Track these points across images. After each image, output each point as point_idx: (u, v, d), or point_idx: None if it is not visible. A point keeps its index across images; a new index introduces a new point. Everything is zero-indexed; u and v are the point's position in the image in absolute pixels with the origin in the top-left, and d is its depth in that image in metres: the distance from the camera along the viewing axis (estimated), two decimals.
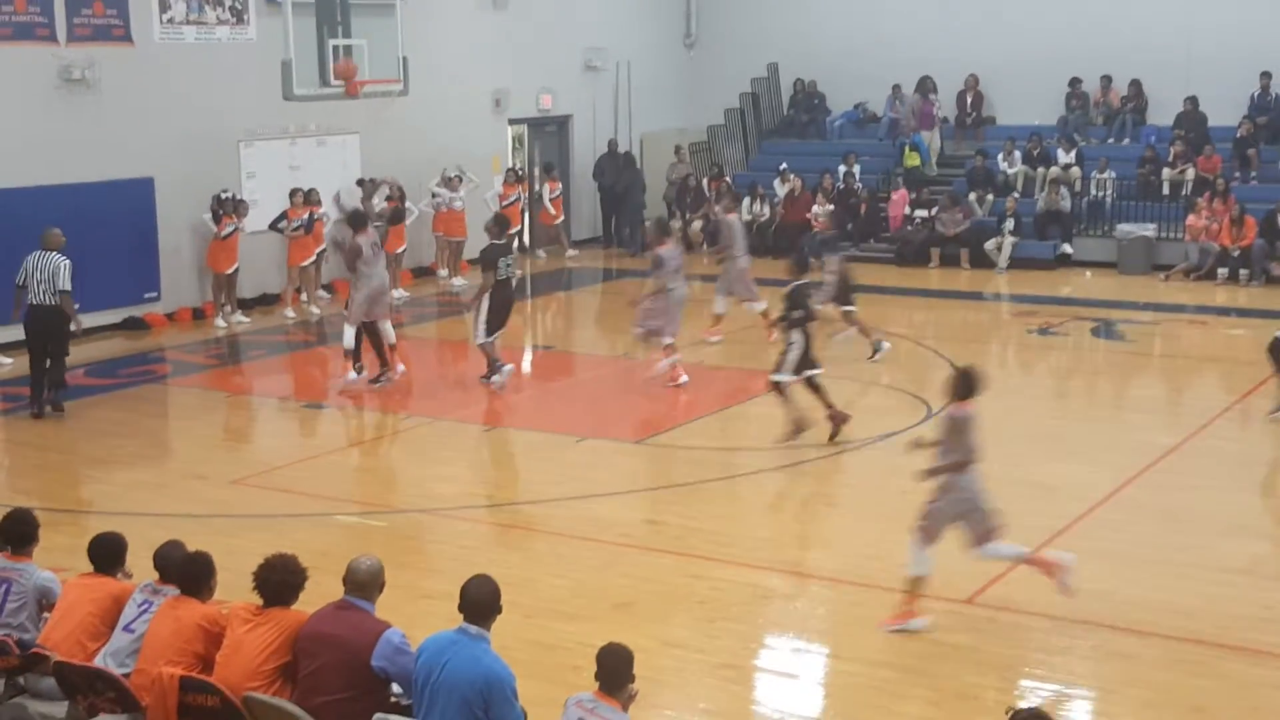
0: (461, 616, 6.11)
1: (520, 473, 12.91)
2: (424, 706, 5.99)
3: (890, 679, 8.13)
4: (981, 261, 23.05)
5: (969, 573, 9.46)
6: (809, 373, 12.67)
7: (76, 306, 14.34)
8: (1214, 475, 12.02)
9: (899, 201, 24.31)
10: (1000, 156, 24.70)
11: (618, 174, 26.04)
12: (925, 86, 25.72)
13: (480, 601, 6.09)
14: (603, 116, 26.43)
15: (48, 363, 14.25)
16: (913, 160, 24.82)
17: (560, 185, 25.46)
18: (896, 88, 26.09)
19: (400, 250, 21.50)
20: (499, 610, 6.18)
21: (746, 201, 25.03)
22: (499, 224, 15.29)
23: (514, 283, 15.28)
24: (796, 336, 12.59)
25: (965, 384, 9.01)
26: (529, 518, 11.19)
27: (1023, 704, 5.30)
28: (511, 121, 25.14)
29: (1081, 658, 8.55)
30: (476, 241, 22.95)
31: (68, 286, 14.12)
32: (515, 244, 23.69)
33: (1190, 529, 10.75)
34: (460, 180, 22.38)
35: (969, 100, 25.92)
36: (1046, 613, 9.01)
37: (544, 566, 9.87)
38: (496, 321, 14.77)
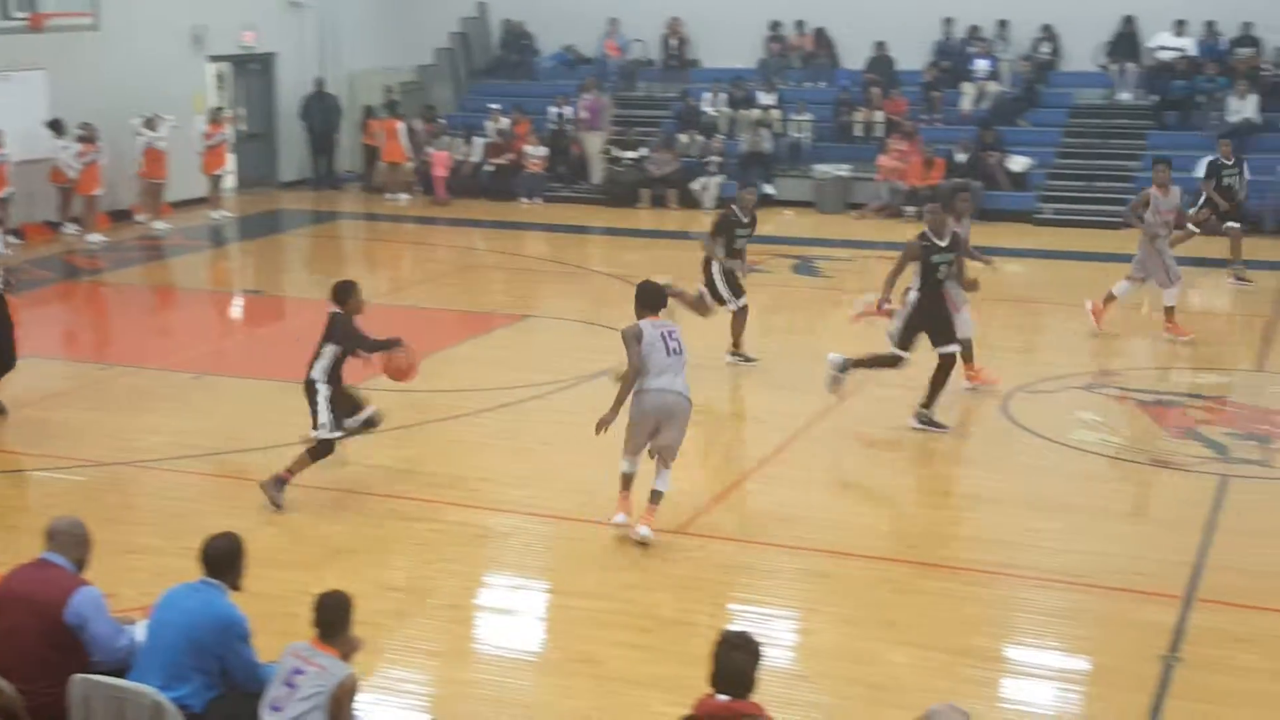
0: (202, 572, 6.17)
1: (230, 421, 12.58)
2: (152, 648, 6.02)
3: (607, 610, 8.35)
4: (690, 201, 23.57)
5: (679, 504, 9.78)
6: None
7: None
8: (911, 403, 12.62)
9: (440, 161, 24.47)
10: (705, 98, 25.25)
11: (325, 115, 25.47)
12: (598, 86, 25.71)
13: (217, 558, 6.20)
14: (309, 55, 25.75)
15: None
16: None
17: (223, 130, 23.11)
18: (614, 21, 26.35)
19: (96, 193, 20.57)
20: (240, 568, 6.27)
21: (457, 142, 24.96)
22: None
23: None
24: None
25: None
26: (240, 467, 10.93)
27: (731, 627, 5.56)
28: (212, 59, 24.23)
29: (787, 580, 8.99)
30: (178, 184, 22.22)
31: None
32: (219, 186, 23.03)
33: (890, 456, 11.36)
34: (159, 120, 21.48)
35: (672, 43, 26.36)
36: (754, 539, 9.44)
37: (258, 516, 9.69)
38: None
